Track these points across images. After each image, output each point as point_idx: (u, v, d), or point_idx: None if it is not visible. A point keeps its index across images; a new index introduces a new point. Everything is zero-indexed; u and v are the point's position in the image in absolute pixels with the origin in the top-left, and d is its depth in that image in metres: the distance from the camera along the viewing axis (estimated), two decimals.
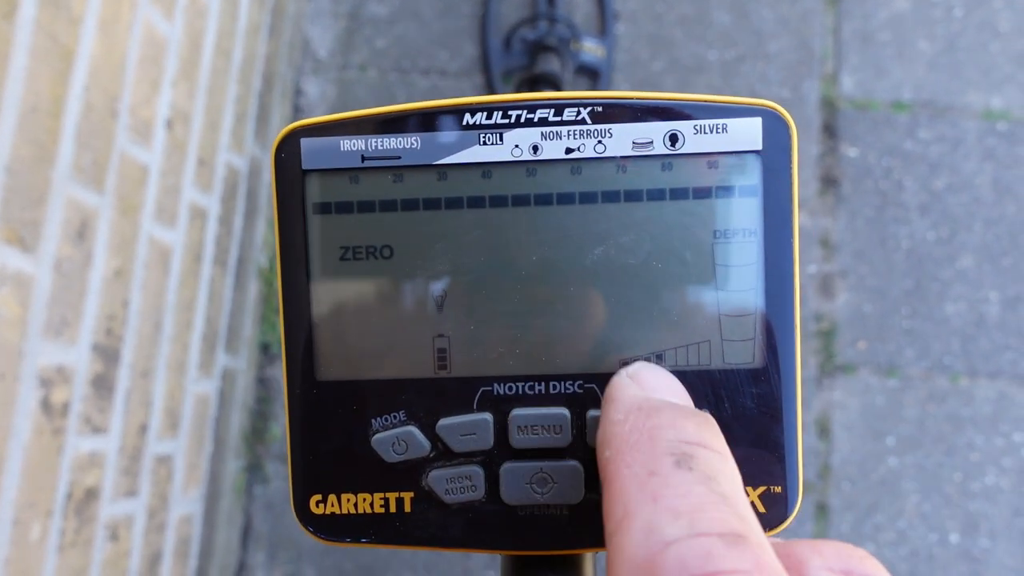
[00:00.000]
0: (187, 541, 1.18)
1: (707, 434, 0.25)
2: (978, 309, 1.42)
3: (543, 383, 0.32)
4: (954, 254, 1.44)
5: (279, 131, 1.43)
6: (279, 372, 1.38)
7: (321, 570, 1.33)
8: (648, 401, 0.27)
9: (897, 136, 1.47)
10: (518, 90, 1.29)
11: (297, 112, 1.48)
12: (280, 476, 1.35)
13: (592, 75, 1.49)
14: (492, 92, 1.45)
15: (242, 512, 1.34)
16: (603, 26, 1.51)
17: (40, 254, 0.81)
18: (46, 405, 0.84)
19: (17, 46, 0.76)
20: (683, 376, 0.31)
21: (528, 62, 1.43)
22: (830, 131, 1.47)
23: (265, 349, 1.39)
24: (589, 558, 0.34)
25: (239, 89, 1.24)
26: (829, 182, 1.46)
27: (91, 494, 0.92)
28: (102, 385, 0.93)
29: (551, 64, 1.31)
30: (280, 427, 1.37)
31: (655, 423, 0.25)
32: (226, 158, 1.21)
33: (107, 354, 0.93)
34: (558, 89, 1.21)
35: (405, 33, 1.51)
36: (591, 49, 1.47)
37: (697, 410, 0.27)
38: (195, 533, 1.20)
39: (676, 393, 0.29)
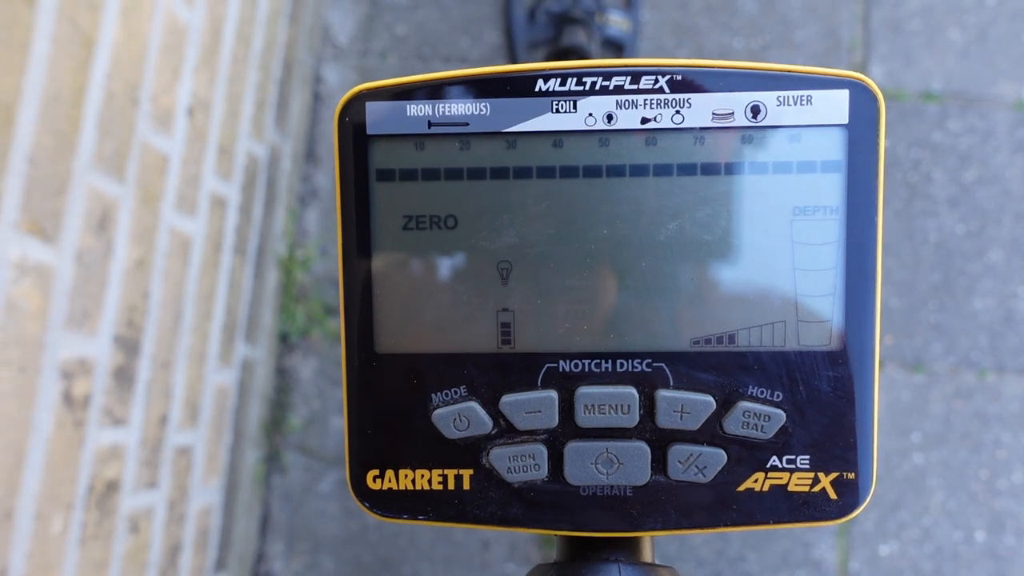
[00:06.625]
0: (206, 532, 1.17)
1: None
2: (1007, 304, 1.39)
3: (610, 361, 0.32)
4: (983, 248, 1.41)
5: (297, 119, 1.41)
6: (298, 362, 1.37)
7: (339, 560, 1.33)
8: None
9: (926, 127, 1.44)
10: None
11: (317, 99, 1.46)
12: (299, 467, 1.35)
13: (617, 48, 1.46)
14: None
15: (260, 502, 1.34)
16: None
17: (61, 245, 0.80)
18: (67, 398, 0.83)
19: (39, 33, 0.75)
20: (757, 357, 0.31)
21: (553, 34, 1.40)
22: None
23: (284, 339, 1.38)
24: (648, 540, 0.34)
25: (259, 76, 1.22)
26: None
27: (112, 486, 0.92)
28: (123, 377, 0.92)
29: (577, 37, 1.29)
30: (298, 417, 1.36)
31: None
32: (246, 146, 1.20)
33: (128, 345, 0.92)
34: None
35: (426, 19, 1.49)
36: (616, 22, 1.44)
37: None
38: (214, 524, 1.19)
39: None
